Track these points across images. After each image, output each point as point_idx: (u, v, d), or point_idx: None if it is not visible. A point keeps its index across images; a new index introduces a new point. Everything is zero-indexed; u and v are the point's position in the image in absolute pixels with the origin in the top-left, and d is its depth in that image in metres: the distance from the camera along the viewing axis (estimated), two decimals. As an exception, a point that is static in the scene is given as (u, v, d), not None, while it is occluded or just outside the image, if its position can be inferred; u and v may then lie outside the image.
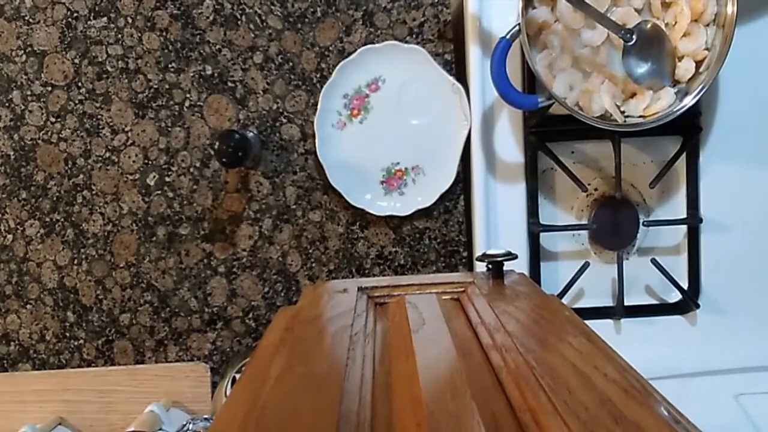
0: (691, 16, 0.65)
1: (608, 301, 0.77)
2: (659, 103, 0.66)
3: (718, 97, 0.74)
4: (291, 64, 0.78)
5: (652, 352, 0.75)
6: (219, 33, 0.78)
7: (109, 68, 0.78)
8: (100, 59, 0.78)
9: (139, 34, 0.78)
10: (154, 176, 0.80)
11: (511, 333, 0.39)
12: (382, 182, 0.79)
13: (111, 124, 0.79)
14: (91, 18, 0.78)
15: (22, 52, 0.79)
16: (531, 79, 0.72)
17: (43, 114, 0.79)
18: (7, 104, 0.79)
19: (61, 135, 0.80)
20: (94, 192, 0.80)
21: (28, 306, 0.82)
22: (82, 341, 0.82)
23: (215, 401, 0.77)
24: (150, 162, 0.80)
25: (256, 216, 0.80)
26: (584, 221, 0.77)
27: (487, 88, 0.73)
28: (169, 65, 0.78)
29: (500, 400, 0.33)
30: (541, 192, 0.76)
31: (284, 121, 0.79)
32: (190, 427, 0.70)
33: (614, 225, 0.74)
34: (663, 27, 0.66)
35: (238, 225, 0.80)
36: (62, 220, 0.81)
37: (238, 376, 0.73)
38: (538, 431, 0.29)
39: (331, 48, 0.77)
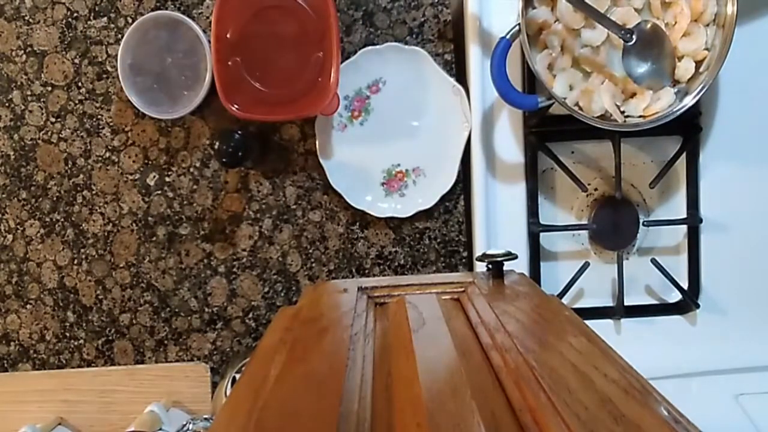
0: (691, 16, 0.65)
1: (608, 301, 0.77)
2: (659, 103, 0.66)
3: (718, 97, 0.74)
4: (291, 64, 0.78)
5: (652, 352, 0.75)
6: (219, 33, 0.77)
7: (109, 68, 0.78)
8: (100, 59, 0.78)
9: (139, 34, 0.78)
10: (154, 176, 0.80)
11: (511, 333, 0.39)
12: (382, 184, 0.79)
13: (111, 124, 0.79)
14: (91, 18, 0.78)
15: (22, 52, 0.79)
16: (531, 79, 0.72)
17: (43, 114, 0.79)
18: (7, 104, 0.79)
19: (61, 135, 0.80)
20: (94, 192, 0.80)
21: (28, 306, 0.82)
22: (82, 341, 0.82)
23: (215, 401, 0.77)
24: (150, 162, 0.80)
25: (256, 216, 0.80)
26: (584, 221, 0.77)
27: (487, 88, 0.73)
28: (169, 65, 0.78)
29: (500, 400, 0.33)
30: (541, 192, 0.76)
31: (284, 120, 0.78)
32: (190, 427, 0.70)
33: (614, 225, 0.75)
34: (663, 27, 0.66)
35: (238, 225, 0.80)
36: (62, 220, 0.81)
37: (238, 376, 0.73)
38: (538, 431, 0.29)
39: (331, 48, 0.77)
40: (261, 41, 0.71)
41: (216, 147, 0.71)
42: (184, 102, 0.75)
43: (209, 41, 0.71)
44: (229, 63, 0.70)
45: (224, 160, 0.71)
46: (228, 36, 0.70)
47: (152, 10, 0.77)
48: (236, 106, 0.70)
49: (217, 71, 0.70)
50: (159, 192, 0.80)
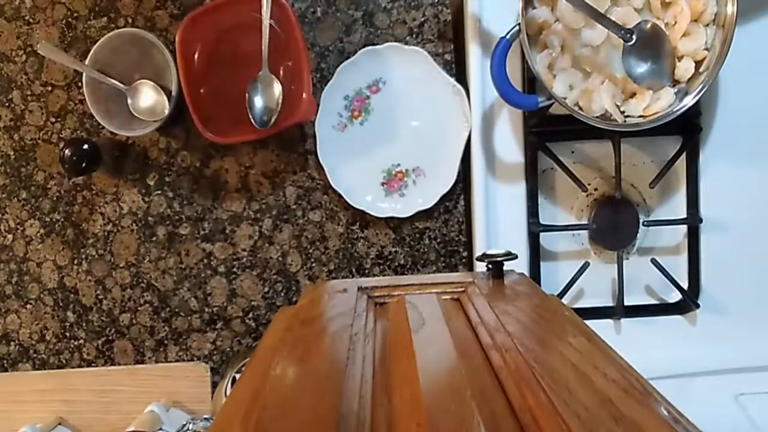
0: (691, 16, 0.65)
1: (608, 301, 0.77)
2: (659, 103, 0.66)
3: (718, 97, 0.74)
4: (291, 64, 0.78)
5: (652, 352, 0.75)
6: (219, 33, 0.77)
7: (109, 68, 0.78)
8: (100, 59, 0.78)
9: (139, 34, 0.78)
10: (154, 176, 0.80)
11: (511, 333, 0.39)
12: (382, 184, 0.79)
13: (111, 124, 0.79)
14: (91, 18, 0.78)
15: (22, 52, 0.79)
16: (531, 79, 0.72)
17: (43, 114, 0.79)
18: (7, 104, 0.79)
19: (61, 135, 0.80)
20: (94, 192, 0.80)
21: (28, 306, 0.82)
22: (82, 341, 0.82)
23: (215, 401, 0.77)
24: (150, 162, 0.80)
25: (256, 216, 0.80)
26: (584, 221, 0.77)
27: (487, 88, 0.73)
28: (169, 65, 0.78)
29: (500, 400, 0.33)
30: (541, 192, 0.76)
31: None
32: (190, 427, 0.70)
33: (614, 225, 0.75)
34: (663, 27, 0.66)
35: (238, 225, 0.80)
36: (62, 220, 0.81)
37: (238, 376, 0.73)
38: (538, 431, 0.29)
39: (331, 48, 0.77)
40: (228, 62, 0.72)
41: (63, 154, 0.72)
42: (143, 121, 0.75)
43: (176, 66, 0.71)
44: (201, 91, 0.71)
45: (66, 166, 0.72)
46: (195, 64, 0.71)
47: (152, 10, 0.77)
48: (211, 131, 0.71)
49: (191, 102, 0.71)
50: (159, 192, 0.80)
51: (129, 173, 0.80)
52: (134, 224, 0.80)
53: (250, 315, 0.81)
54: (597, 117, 0.67)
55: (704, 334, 0.77)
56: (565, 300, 0.76)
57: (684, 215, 0.75)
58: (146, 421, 0.72)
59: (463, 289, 0.51)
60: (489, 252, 0.54)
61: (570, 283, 0.75)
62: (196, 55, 0.71)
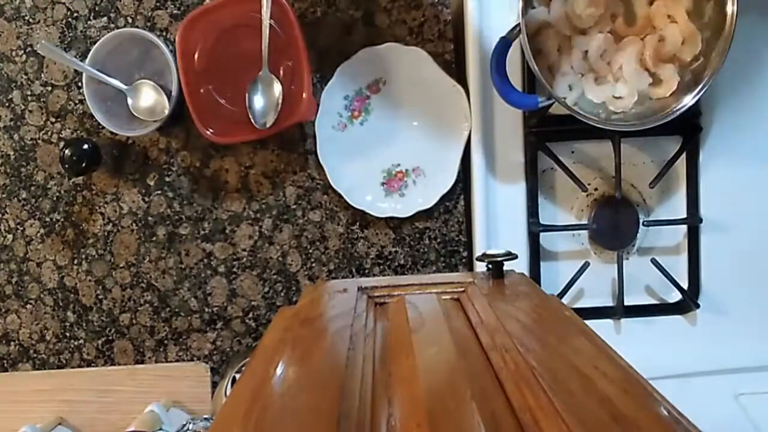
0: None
1: (608, 301, 0.77)
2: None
3: (718, 97, 0.74)
4: (291, 64, 0.78)
5: (652, 352, 0.75)
6: (219, 33, 0.77)
7: (109, 68, 0.78)
8: (100, 59, 0.78)
9: (139, 34, 0.78)
10: (154, 176, 0.80)
11: (511, 333, 0.39)
12: (382, 184, 0.79)
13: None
14: (91, 18, 0.78)
15: (22, 52, 0.79)
16: (531, 79, 0.72)
17: (43, 114, 0.79)
18: (7, 104, 0.79)
19: (61, 135, 0.80)
20: (94, 192, 0.80)
21: (28, 306, 0.82)
22: (82, 341, 0.82)
23: (215, 401, 0.77)
24: (150, 162, 0.80)
25: (256, 216, 0.80)
26: (584, 221, 0.77)
27: (487, 88, 0.73)
28: (169, 65, 0.78)
29: (500, 400, 0.33)
30: (541, 192, 0.76)
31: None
32: (190, 427, 0.70)
33: (614, 225, 0.75)
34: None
35: (238, 225, 0.80)
36: (62, 220, 0.81)
37: (238, 376, 0.73)
38: (538, 431, 0.29)
39: (331, 48, 0.77)
40: (228, 62, 0.72)
41: (63, 154, 0.72)
42: (143, 121, 0.74)
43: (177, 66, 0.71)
44: (201, 91, 0.72)
45: (66, 166, 0.73)
46: (195, 64, 0.71)
47: (152, 10, 0.77)
48: (211, 130, 0.72)
49: (191, 102, 0.71)
50: (159, 192, 0.80)
51: (129, 173, 0.80)
52: (134, 224, 0.80)
53: (250, 315, 0.81)
54: (597, 117, 0.67)
55: (704, 334, 0.77)
56: (565, 300, 0.76)
57: (684, 215, 0.75)
58: (146, 421, 0.72)
59: (463, 289, 0.51)
60: (489, 252, 0.54)
61: (570, 283, 0.75)
62: (196, 55, 0.71)
